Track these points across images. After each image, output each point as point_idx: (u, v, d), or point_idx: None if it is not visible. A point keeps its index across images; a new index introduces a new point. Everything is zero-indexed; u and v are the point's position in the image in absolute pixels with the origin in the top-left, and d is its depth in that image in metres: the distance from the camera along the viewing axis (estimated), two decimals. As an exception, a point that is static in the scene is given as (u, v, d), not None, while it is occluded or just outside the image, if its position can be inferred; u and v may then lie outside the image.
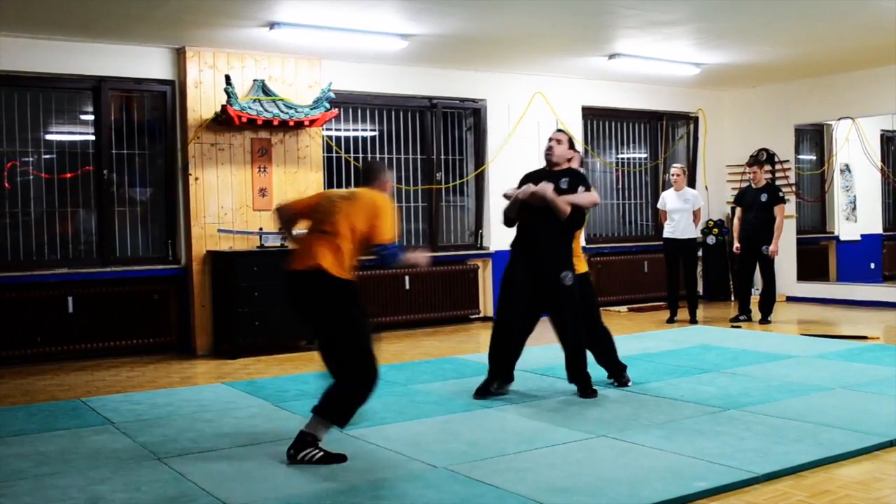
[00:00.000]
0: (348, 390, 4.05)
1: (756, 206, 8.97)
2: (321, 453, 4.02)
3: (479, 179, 9.71)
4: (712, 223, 11.16)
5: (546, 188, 5.23)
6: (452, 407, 5.23)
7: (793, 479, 3.73)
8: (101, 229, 7.75)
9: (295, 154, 8.23)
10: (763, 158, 10.71)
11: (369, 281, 8.84)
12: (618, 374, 5.79)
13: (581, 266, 5.68)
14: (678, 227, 9.08)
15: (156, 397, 5.79)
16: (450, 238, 9.73)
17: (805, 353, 6.87)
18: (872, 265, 11.57)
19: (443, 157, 9.53)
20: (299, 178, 8.25)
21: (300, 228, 4.41)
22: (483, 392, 5.43)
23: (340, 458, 4.04)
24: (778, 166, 10.91)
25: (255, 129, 7.99)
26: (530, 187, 5.31)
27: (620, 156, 11.08)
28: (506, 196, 5.52)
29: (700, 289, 10.96)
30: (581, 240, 5.89)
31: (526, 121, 9.81)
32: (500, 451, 4.21)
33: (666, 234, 9.22)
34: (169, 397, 5.77)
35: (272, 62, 8.11)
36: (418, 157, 9.44)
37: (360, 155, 9.07)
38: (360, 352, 4.06)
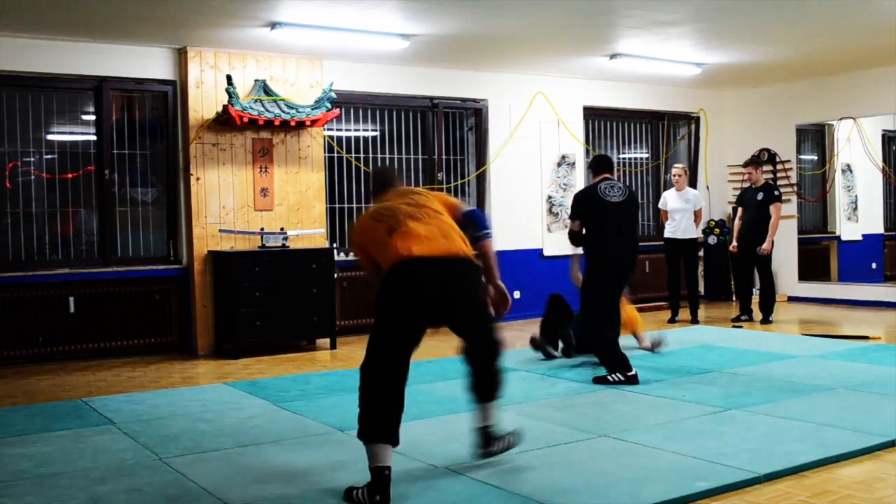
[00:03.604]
0: (499, 363, 4.01)
1: (752, 205, 8.98)
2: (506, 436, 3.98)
3: (481, 179, 9.71)
4: (714, 223, 11.16)
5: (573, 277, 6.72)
6: (454, 407, 5.21)
7: (794, 478, 3.73)
8: (103, 229, 7.75)
9: (296, 154, 8.23)
10: (764, 158, 10.70)
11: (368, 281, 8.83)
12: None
13: None
14: (679, 227, 9.08)
15: (157, 397, 5.79)
16: (451, 238, 9.70)
17: (806, 353, 6.86)
18: (874, 265, 11.57)
19: (444, 157, 9.52)
20: (301, 179, 8.26)
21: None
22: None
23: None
24: (779, 166, 10.91)
25: (257, 130, 8.00)
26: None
27: (622, 156, 11.08)
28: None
29: (701, 289, 10.96)
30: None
31: (527, 121, 9.81)
32: (501, 451, 4.21)
33: (667, 234, 9.22)
34: (170, 397, 5.77)
35: (273, 62, 8.11)
36: (420, 157, 9.43)
37: (362, 155, 9.06)
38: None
